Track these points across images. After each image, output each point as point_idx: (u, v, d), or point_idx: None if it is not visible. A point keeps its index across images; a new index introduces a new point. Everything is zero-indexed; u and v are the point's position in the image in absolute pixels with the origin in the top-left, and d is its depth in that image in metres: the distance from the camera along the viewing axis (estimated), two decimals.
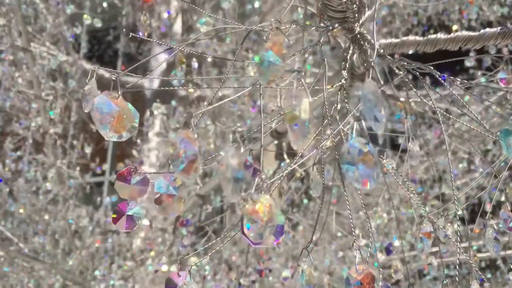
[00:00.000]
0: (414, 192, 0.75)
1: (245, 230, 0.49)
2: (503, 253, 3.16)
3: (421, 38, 1.16)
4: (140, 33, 1.15)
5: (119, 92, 0.53)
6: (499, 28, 1.13)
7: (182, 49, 0.90)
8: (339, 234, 3.27)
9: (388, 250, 1.46)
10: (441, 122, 0.67)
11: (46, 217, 4.21)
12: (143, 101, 6.52)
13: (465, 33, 1.13)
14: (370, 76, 0.46)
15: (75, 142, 4.10)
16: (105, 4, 6.07)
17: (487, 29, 1.12)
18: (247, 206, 0.48)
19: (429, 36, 1.16)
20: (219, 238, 0.80)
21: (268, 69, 0.48)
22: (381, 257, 1.53)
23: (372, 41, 0.76)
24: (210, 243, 0.78)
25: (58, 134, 3.71)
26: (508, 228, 0.94)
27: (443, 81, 0.78)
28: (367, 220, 0.97)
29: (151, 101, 6.20)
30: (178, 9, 5.85)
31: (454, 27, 5.15)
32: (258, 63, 0.48)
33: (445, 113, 0.99)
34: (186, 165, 0.47)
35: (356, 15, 0.81)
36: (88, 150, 3.81)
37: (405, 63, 0.75)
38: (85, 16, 2.85)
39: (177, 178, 0.52)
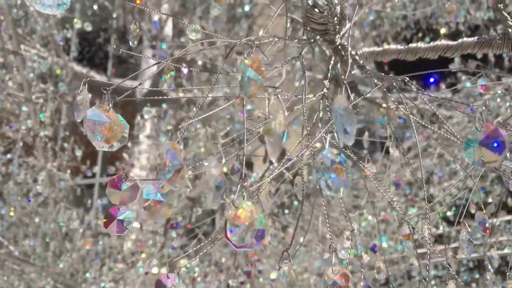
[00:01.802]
0: (392, 196, 0.79)
1: (228, 234, 0.52)
2: (489, 254, 3.22)
3: (402, 47, 1.21)
4: (130, 42, 1.18)
5: (110, 105, 0.56)
6: (476, 37, 1.17)
7: (172, 58, 0.94)
8: (328, 236, 3.31)
9: (373, 251, 1.50)
10: (414, 128, 0.71)
11: (37, 219, 4.21)
12: (134, 104, 6.53)
13: (444, 42, 1.18)
14: (343, 91, 0.50)
15: (65, 144, 4.11)
16: (95, 7, 6.07)
17: (465, 39, 1.17)
18: (230, 212, 0.51)
19: (410, 45, 1.20)
20: (208, 240, 0.83)
21: (248, 84, 0.52)
22: (366, 258, 1.57)
23: (352, 52, 0.80)
24: (200, 245, 0.81)
25: (49, 137, 3.72)
26: (483, 230, 0.99)
27: (417, 88, 0.82)
28: (349, 223, 1.01)
29: (141, 104, 6.22)
30: (169, 12, 5.87)
31: (442, 31, 5.22)
32: (239, 80, 0.52)
33: (430, 117, 1.03)
34: (172, 175, 0.51)
35: (337, 27, 0.85)
36: (78, 153, 3.82)
37: (381, 76, 0.79)
38: (75, 20, 2.86)
39: (165, 185, 0.56)
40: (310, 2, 0.82)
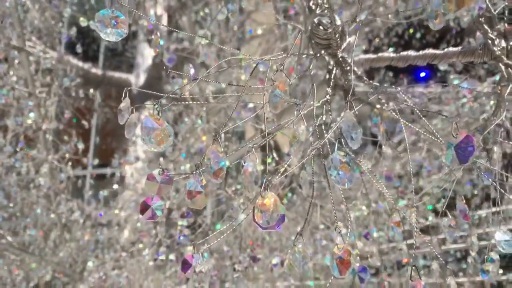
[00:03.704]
0: (384, 188, 0.93)
1: (256, 218, 0.66)
2: (472, 241, 3.39)
3: (394, 54, 1.34)
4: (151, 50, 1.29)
5: (160, 114, 0.69)
6: (460, 47, 1.31)
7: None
8: (321, 226, 3.46)
9: (366, 238, 1.64)
10: (403, 126, 0.85)
11: (38, 211, 4.31)
12: (131, 96, 6.62)
13: (431, 51, 1.32)
14: (348, 107, 0.64)
15: (66, 138, 4.21)
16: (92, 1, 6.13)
17: (450, 48, 1.31)
18: (257, 201, 0.65)
19: (401, 53, 1.34)
20: (221, 230, 0.97)
21: (277, 102, 0.66)
22: (360, 244, 1.71)
23: (352, 65, 0.94)
24: (220, 230, 0.95)
25: (51, 130, 3.82)
26: (464, 218, 1.13)
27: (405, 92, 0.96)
28: (347, 212, 1.16)
29: (138, 96, 6.32)
30: (166, 7, 5.96)
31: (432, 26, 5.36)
32: (269, 97, 0.66)
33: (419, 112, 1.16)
34: (216, 170, 0.64)
35: (339, 42, 0.98)
36: (80, 145, 3.93)
37: (375, 86, 0.93)
38: (81, 18, 2.96)
39: (203, 178, 0.69)
40: (315, 21, 0.95)
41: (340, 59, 1.00)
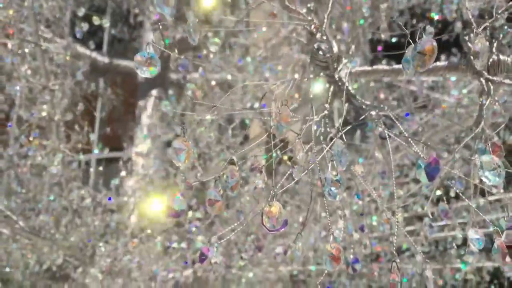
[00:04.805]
0: (373, 191, 1.09)
1: (264, 222, 0.82)
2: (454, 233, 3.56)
3: (387, 67, 1.49)
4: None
5: (186, 137, 0.85)
6: (446, 62, 1.45)
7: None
8: (323, 215, 3.64)
9: (361, 229, 1.81)
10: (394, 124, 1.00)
11: (51, 197, 4.49)
12: (134, 83, 6.75)
13: None
14: (337, 135, 0.80)
15: (77, 127, 4.38)
16: None
17: (438, 63, 1.45)
18: (265, 209, 0.81)
19: (394, 66, 1.48)
20: (234, 226, 1.13)
21: (281, 131, 0.82)
22: (356, 236, 1.88)
23: (347, 85, 1.09)
24: (235, 225, 1.11)
25: (64, 121, 3.99)
26: (445, 217, 1.29)
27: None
28: (342, 208, 1.31)
29: (143, 84, 6.46)
30: None
31: (434, 16, 5.45)
32: (274, 127, 0.82)
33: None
34: (233, 185, 0.81)
35: (335, 64, 1.13)
36: (93, 136, 4.10)
37: (368, 105, 1.08)
38: (94, 17, 3.09)
39: (221, 189, 0.85)
40: (315, 46, 1.10)
41: (337, 79, 1.15)
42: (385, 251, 4.84)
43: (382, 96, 4.51)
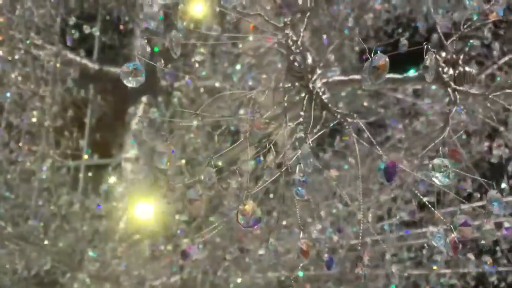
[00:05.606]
0: (347, 197, 1.17)
1: (239, 220, 0.90)
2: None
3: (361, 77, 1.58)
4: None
5: (169, 142, 0.93)
6: (417, 72, 1.55)
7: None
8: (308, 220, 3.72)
9: (339, 231, 1.90)
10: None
11: (40, 202, 4.51)
12: (124, 90, 6.79)
13: (392, 75, 1.55)
14: (308, 141, 0.88)
15: (67, 134, 4.43)
16: None
17: (409, 74, 1.55)
18: (240, 207, 0.89)
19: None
20: (216, 224, 1.21)
21: (255, 136, 0.91)
22: (335, 238, 1.97)
23: (323, 97, 1.18)
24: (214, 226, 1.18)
25: (53, 127, 4.03)
26: (411, 217, 1.38)
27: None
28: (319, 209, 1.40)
29: (133, 91, 6.50)
30: (160, 6, 6.11)
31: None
32: (248, 136, 0.90)
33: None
34: (210, 186, 0.89)
35: (310, 75, 1.22)
36: (82, 142, 4.15)
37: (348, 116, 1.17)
38: (84, 26, 3.16)
39: (200, 189, 0.93)
40: (291, 58, 1.19)
41: (311, 88, 1.24)
42: (371, 257, 4.92)
43: (366, 104, 4.61)
